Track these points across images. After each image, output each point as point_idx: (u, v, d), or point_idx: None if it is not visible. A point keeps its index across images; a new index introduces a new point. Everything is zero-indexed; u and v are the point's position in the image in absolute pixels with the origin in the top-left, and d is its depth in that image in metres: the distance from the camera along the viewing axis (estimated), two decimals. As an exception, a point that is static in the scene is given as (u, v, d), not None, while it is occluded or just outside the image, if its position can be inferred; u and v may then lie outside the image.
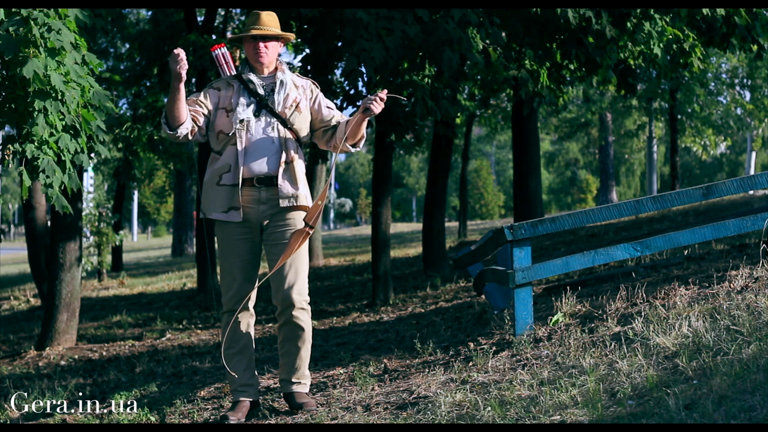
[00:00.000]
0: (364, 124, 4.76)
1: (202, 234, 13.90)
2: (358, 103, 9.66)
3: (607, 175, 31.75)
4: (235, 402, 4.82)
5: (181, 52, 4.46)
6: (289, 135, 4.75)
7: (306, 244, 4.76)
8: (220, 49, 4.85)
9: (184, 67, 4.48)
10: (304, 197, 4.77)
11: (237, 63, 5.02)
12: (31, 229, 12.30)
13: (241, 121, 4.69)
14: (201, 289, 13.65)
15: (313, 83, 4.92)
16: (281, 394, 4.95)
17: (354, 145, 4.81)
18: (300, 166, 4.78)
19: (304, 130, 4.82)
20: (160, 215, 52.65)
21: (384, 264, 10.15)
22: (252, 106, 4.72)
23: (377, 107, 4.63)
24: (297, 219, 4.74)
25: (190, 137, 4.75)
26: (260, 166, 4.69)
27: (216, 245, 5.02)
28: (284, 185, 4.71)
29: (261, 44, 4.73)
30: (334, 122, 4.86)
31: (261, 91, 4.75)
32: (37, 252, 12.36)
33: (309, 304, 4.79)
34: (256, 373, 4.96)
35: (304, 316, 4.75)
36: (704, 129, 26.04)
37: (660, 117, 27.53)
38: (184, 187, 27.47)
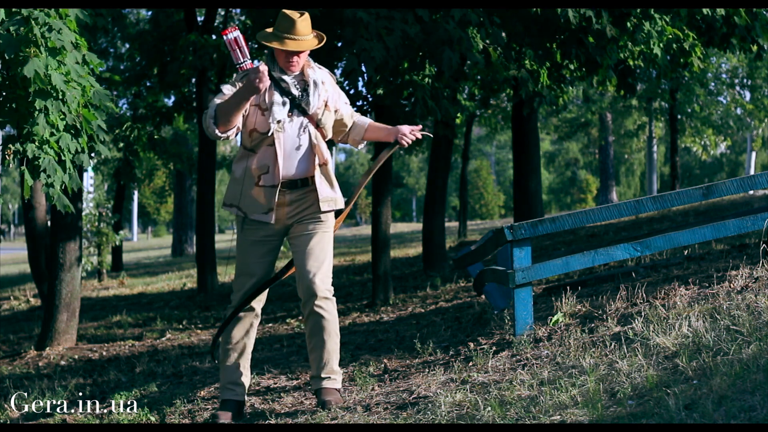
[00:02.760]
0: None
1: (203, 233, 13.91)
2: (358, 103, 9.66)
3: (607, 175, 31.75)
4: (223, 401, 4.82)
5: (266, 69, 4.40)
6: (320, 136, 4.70)
7: (331, 235, 4.74)
8: (232, 33, 4.57)
9: (266, 84, 4.42)
10: (341, 199, 4.76)
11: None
12: (31, 229, 12.29)
13: (278, 121, 4.58)
14: (201, 289, 13.65)
15: (331, 74, 4.84)
16: (313, 392, 4.89)
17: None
18: (332, 167, 4.75)
19: (329, 128, 4.78)
20: (160, 215, 52.63)
21: (384, 264, 10.15)
22: (286, 106, 4.62)
23: (409, 142, 4.80)
24: (325, 217, 4.71)
25: (231, 137, 4.67)
26: (296, 168, 4.62)
27: (234, 242, 4.95)
28: (322, 188, 4.66)
29: (294, 57, 4.60)
30: (350, 120, 4.88)
31: (294, 91, 4.64)
32: (37, 252, 12.36)
33: (333, 295, 4.70)
34: (249, 374, 4.95)
35: (328, 306, 4.63)
36: (704, 129, 26.04)
37: (660, 117, 27.52)
38: (184, 187, 27.47)
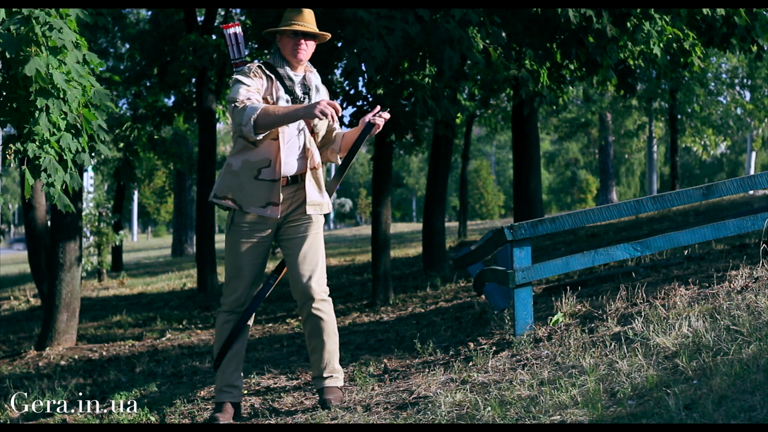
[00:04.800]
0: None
1: (203, 233, 13.91)
2: (358, 103, 9.67)
3: (607, 175, 31.75)
4: (220, 403, 4.82)
5: (336, 104, 4.43)
6: (313, 141, 4.74)
7: (322, 235, 4.77)
8: (234, 28, 4.67)
9: (332, 117, 4.43)
10: (327, 204, 4.78)
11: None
12: (31, 229, 12.29)
13: None
14: (201, 289, 13.66)
15: (326, 90, 4.93)
16: (315, 392, 4.91)
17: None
18: (322, 175, 4.78)
19: (321, 136, 4.82)
20: (160, 215, 52.65)
21: (384, 264, 10.15)
22: (289, 105, 4.64)
23: (380, 122, 4.73)
24: (315, 217, 4.73)
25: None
26: (292, 166, 4.65)
27: (226, 244, 4.90)
28: (311, 190, 4.68)
29: (302, 41, 4.67)
30: (334, 134, 4.89)
31: (298, 92, 4.69)
32: (37, 252, 12.36)
33: (329, 295, 4.74)
34: (242, 375, 4.96)
35: (325, 308, 4.68)
36: (704, 129, 26.06)
37: (660, 117, 27.54)
38: (184, 187, 27.47)
